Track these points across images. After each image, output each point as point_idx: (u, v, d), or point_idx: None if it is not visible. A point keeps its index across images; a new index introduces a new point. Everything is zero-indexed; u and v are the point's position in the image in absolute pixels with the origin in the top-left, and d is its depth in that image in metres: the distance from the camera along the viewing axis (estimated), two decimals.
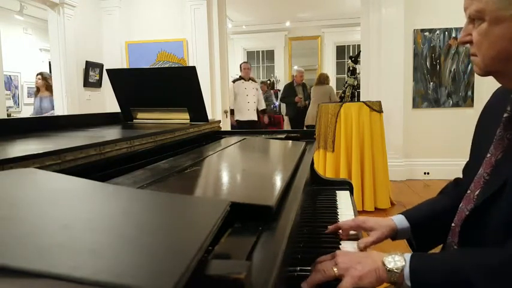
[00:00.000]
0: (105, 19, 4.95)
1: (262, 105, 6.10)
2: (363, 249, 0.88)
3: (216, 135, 1.60)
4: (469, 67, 4.50)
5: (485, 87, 4.28)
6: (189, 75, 1.43)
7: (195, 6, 4.72)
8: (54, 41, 4.36)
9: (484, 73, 0.78)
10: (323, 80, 6.16)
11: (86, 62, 4.69)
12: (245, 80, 5.72)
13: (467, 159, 0.96)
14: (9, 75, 6.69)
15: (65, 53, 4.36)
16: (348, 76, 4.68)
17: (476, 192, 0.82)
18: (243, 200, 0.56)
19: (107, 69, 1.56)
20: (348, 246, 0.90)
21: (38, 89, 4.97)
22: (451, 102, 4.61)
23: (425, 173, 4.64)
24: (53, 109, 4.71)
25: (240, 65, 5.97)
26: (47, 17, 4.49)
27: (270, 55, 9.53)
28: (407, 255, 0.73)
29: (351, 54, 6.77)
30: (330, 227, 0.97)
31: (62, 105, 4.45)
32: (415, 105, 4.67)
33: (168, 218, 0.44)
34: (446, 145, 4.54)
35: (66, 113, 4.26)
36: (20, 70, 6.85)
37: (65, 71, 4.38)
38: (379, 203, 3.42)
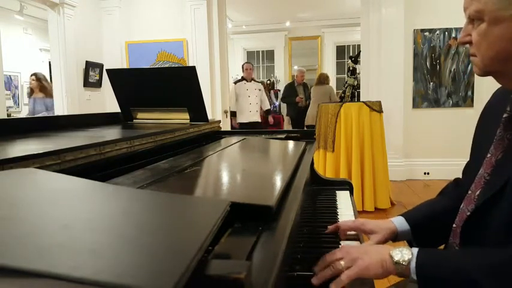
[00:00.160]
0: (105, 19, 4.95)
1: (266, 106, 5.96)
2: None
3: (216, 135, 1.60)
4: (469, 67, 4.50)
5: (485, 87, 4.28)
6: (189, 75, 1.43)
7: (195, 6, 4.72)
8: (54, 41, 4.36)
9: (484, 73, 0.79)
10: (323, 80, 6.16)
11: (86, 62, 4.69)
12: (247, 81, 5.58)
13: (468, 159, 0.96)
14: (9, 75, 6.69)
15: (65, 53, 4.36)
16: (348, 76, 4.68)
17: (477, 193, 0.82)
18: (243, 200, 0.56)
19: (106, 69, 1.56)
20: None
21: (32, 90, 4.86)
22: (451, 102, 4.61)
23: (425, 173, 4.64)
24: (47, 110, 4.64)
25: (242, 66, 5.83)
26: (47, 17, 4.49)
27: (270, 55, 9.52)
28: (415, 249, 0.73)
29: (351, 54, 6.77)
30: (330, 227, 0.97)
31: (62, 105, 4.45)
32: (415, 105, 4.67)
33: (168, 218, 0.44)
34: (446, 145, 4.54)
35: (66, 113, 4.26)
36: (20, 70, 6.86)
37: (65, 71, 4.38)
38: (379, 203, 3.42)
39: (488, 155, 0.82)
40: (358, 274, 0.71)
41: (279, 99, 8.63)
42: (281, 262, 0.45)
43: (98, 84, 4.94)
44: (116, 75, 1.55)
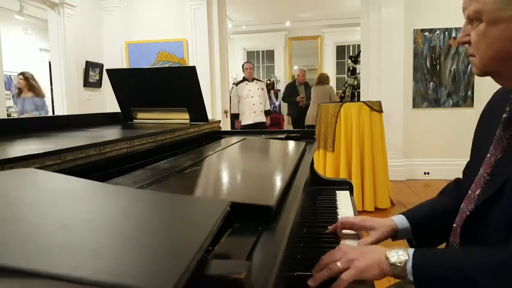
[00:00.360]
0: (105, 19, 4.95)
1: (267, 106, 5.70)
2: None
3: (216, 135, 1.60)
4: (469, 67, 4.50)
5: (485, 87, 4.28)
6: (189, 75, 1.43)
7: (195, 6, 4.72)
8: (54, 41, 4.37)
9: (482, 73, 0.79)
10: (323, 80, 6.16)
11: (86, 62, 4.69)
12: (249, 81, 5.38)
13: (468, 160, 0.96)
14: (9, 75, 6.69)
15: (65, 53, 4.36)
16: (348, 76, 4.68)
17: (477, 192, 0.82)
18: (243, 200, 0.56)
19: (106, 69, 1.56)
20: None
21: (20, 90, 4.73)
22: (451, 102, 4.62)
23: (425, 173, 4.64)
24: (37, 110, 4.57)
25: (242, 66, 5.66)
26: (47, 17, 4.49)
27: (270, 55, 9.52)
28: (411, 250, 0.73)
29: (351, 54, 6.76)
30: (331, 226, 0.97)
31: (62, 105, 4.45)
32: (415, 105, 4.67)
33: (168, 218, 0.44)
34: (446, 145, 4.54)
35: (66, 113, 4.26)
36: (20, 70, 6.85)
37: (65, 71, 4.38)
38: (379, 203, 3.42)
39: (488, 155, 0.82)
40: (356, 276, 0.71)
41: (279, 99, 8.63)
42: (281, 262, 0.45)
43: (98, 84, 4.94)
44: (116, 75, 1.55)
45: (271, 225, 0.53)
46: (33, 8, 6.28)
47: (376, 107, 3.48)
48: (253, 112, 5.33)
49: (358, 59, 4.70)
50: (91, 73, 4.78)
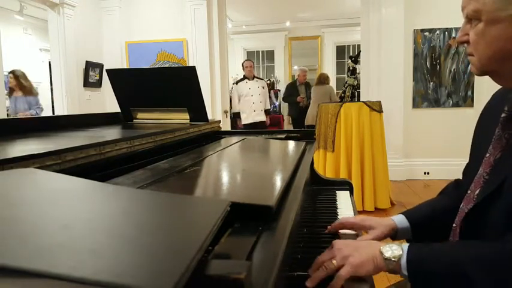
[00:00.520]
0: (105, 19, 4.95)
1: (267, 105, 5.52)
2: None
3: (216, 135, 1.60)
4: (469, 67, 4.50)
5: (485, 87, 4.28)
6: (189, 75, 1.43)
7: (195, 6, 4.72)
8: (54, 41, 4.37)
9: (481, 73, 0.79)
10: (323, 80, 6.15)
11: (86, 62, 4.69)
12: (249, 80, 5.22)
13: (467, 160, 0.96)
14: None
15: (65, 53, 4.36)
16: (348, 76, 4.69)
17: (476, 192, 0.82)
18: (243, 200, 0.56)
19: (106, 69, 1.56)
20: None
21: (11, 89, 4.58)
22: (451, 102, 4.62)
23: (425, 173, 4.64)
24: (30, 109, 4.46)
25: (242, 64, 5.52)
26: (47, 17, 4.49)
27: (270, 55, 9.52)
28: (405, 245, 0.74)
29: (351, 54, 6.76)
30: (331, 226, 0.97)
31: (62, 105, 4.45)
32: (415, 105, 4.67)
33: (168, 218, 0.44)
34: (446, 145, 4.54)
35: (66, 113, 4.26)
36: (18, 69, 6.84)
37: (65, 71, 4.38)
38: (379, 203, 3.42)
39: (487, 155, 0.82)
40: (351, 273, 0.71)
41: (279, 99, 8.63)
42: (281, 262, 0.45)
43: (98, 84, 4.94)
44: (116, 75, 1.55)
45: (271, 225, 0.53)
46: (33, 8, 6.28)
47: (376, 107, 3.48)
48: (253, 111, 5.19)
49: (358, 59, 4.70)
50: (91, 73, 4.78)
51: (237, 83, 5.43)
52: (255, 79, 5.29)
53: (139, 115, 1.60)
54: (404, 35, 4.50)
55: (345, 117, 3.44)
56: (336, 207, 1.24)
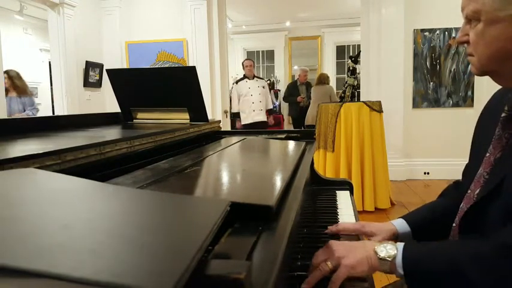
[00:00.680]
0: (105, 19, 4.95)
1: (269, 105, 5.39)
2: None
3: (216, 135, 1.60)
4: (469, 67, 4.50)
5: (485, 87, 4.29)
6: (189, 75, 1.43)
7: (195, 6, 4.72)
8: (54, 41, 4.37)
9: (481, 73, 0.79)
10: (323, 80, 6.15)
11: (86, 62, 4.69)
12: (249, 79, 5.14)
13: (467, 160, 0.96)
14: None
15: (65, 53, 4.36)
16: (348, 76, 4.68)
17: (476, 192, 0.82)
18: (243, 200, 0.56)
19: (106, 69, 1.56)
20: None
21: (6, 90, 4.37)
22: (451, 102, 4.62)
23: (425, 173, 4.64)
24: (25, 111, 4.36)
25: (242, 63, 5.44)
26: (47, 17, 4.49)
27: (270, 55, 9.52)
28: (400, 245, 0.74)
29: (351, 54, 6.76)
30: (330, 227, 0.97)
31: (62, 105, 4.45)
32: (415, 105, 4.67)
33: (168, 218, 0.44)
34: (446, 145, 4.54)
35: (66, 113, 4.26)
36: (20, 70, 6.84)
37: (65, 71, 4.38)
38: (379, 203, 3.42)
39: (487, 155, 0.82)
40: (346, 274, 0.71)
41: (279, 99, 8.64)
42: (281, 262, 0.45)
43: (98, 84, 4.94)
44: (116, 75, 1.55)
45: (271, 225, 0.53)
46: (33, 8, 6.28)
47: (376, 107, 3.48)
48: (252, 111, 5.10)
49: (358, 59, 4.70)
50: (91, 73, 4.78)
51: (237, 82, 5.36)
52: (255, 78, 5.20)
53: (139, 115, 1.60)
54: (404, 35, 4.50)
55: (345, 117, 3.44)
56: (336, 207, 1.24)
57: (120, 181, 0.69)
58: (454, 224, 0.88)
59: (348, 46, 9.01)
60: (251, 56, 9.52)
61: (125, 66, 4.90)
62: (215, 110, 4.85)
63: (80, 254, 0.29)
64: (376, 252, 0.73)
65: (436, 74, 4.60)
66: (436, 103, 4.64)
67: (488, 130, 0.85)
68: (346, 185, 1.49)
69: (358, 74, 4.82)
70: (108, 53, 4.96)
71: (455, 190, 1.01)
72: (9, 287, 0.24)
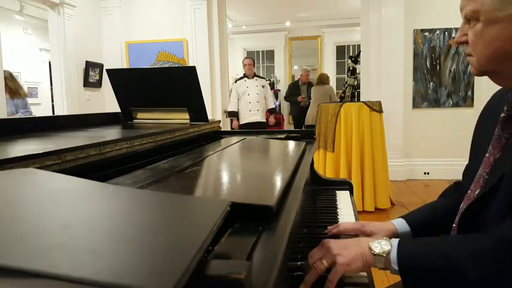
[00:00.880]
0: (105, 19, 4.95)
1: (270, 104, 5.19)
2: None
3: (216, 135, 1.60)
4: (469, 67, 4.49)
5: (485, 87, 4.29)
6: (189, 75, 1.43)
7: (195, 6, 4.72)
8: (54, 41, 4.37)
9: (480, 73, 0.79)
10: (323, 80, 6.15)
11: (86, 62, 4.69)
12: (248, 78, 4.98)
13: (467, 160, 0.96)
14: None
15: (65, 53, 4.36)
16: (348, 76, 4.68)
17: (476, 192, 0.82)
18: (243, 200, 0.56)
19: (106, 69, 1.56)
20: None
21: None
22: (451, 102, 4.62)
23: (425, 173, 4.64)
24: (17, 113, 4.23)
25: (242, 62, 5.25)
26: (47, 17, 4.49)
27: (270, 55, 9.52)
28: (395, 241, 0.74)
29: (351, 54, 6.76)
30: (330, 228, 0.97)
31: (62, 105, 4.45)
32: (415, 105, 4.67)
33: (168, 218, 0.44)
34: (446, 145, 4.54)
35: (66, 113, 4.26)
36: (20, 70, 6.85)
37: (65, 71, 4.38)
38: (379, 203, 3.42)
39: (487, 155, 0.82)
40: (341, 272, 0.71)
41: (279, 99, 8.64)
42: (281, 262, 0.45)
43: (98, 84, 4.94)
44: (116, 75, 1.55)
45: (271, 225, 0.53)
46: (33, 8, 6.28)
47: (376, 107, 3.48)
48: (248, 111, 4.94)
49: (358, 59, 4.70)
50: (91, 73, 4.78)
51: (236, 81, 5.26)
52: (255, 78, 5.03)
53: (139, 115, 1.60)
54: (404, 35, 4.50)
55: (345, 117, 3.44)
56: (336, 207, 1.24)
57: (120, 181, 0.69)
58: (454, 225, 0.88)
59: (348, 46, 9.01)
60: (251, 55, 9.51)
61: (125, 66, 4.90)
62: (215, 110, 4.85)
63: (80, 254, 0.29)
64: (370, 249, 0.73)
65: (436, 74, 4.60)
66: (436, 103, 4.64)
67: (487, 130, 0.85)
68: (346, 185, 1.49)
69: (358, 74, 4.82)
70: (108, 53, 4.96)
71: (455, 190, 1.01)
72: (9, 287, 0.24)
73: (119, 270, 0.27)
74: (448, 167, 4.32)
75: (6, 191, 0.44)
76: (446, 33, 4.53)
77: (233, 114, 5.06)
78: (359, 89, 4.92)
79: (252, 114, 4.94)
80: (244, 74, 5.15)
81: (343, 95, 4.69)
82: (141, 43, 4.96)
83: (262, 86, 5.07)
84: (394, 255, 0.71)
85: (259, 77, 5.19)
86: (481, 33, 0.73)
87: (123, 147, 0.92)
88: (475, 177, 0.84)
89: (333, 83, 7.68)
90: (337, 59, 9.08)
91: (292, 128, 7.43)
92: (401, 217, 0.98)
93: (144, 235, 0.36)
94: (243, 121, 5.00)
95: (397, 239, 0.74)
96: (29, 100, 5.23)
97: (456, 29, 4.43)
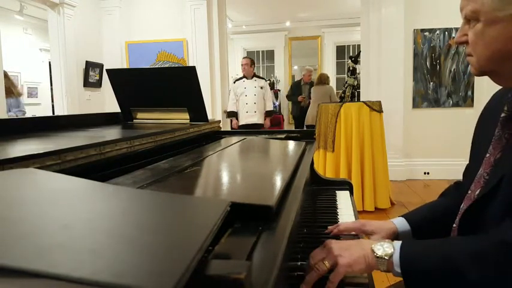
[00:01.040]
0: (105, 19, 4.95)
1: (268, 106, 5.02)
2: None
3: (216, 135, 1.60)
4: (469, 67, 4.49)
5: (485, 87, 4.29)
6: (189, 75, 1.43)
7: (195, 6, 4.72)
8: (54, 41, 4.37)
9: (480, 73, 0.79)
10: (323, 80, 6.16)
11: (86, 62, 4.69)
12: (247, 78, 4.87)
13: (467, 160, 0.96)
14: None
15: (65, 53, 4.36)
16: (348, 76, 4.68)
17: (477, 192, 0.82)
18: (243, 200, 0.56)
19: (106, 69, 1.56)
20: None
21: None
22: (451, 102, 4.62)
23: (425, 173, 4.64)
24: (10, 112, 4.14)
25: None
26: (47, 17, 4.49)
27: (270, 55, 9.52)
28: (397, 243, 0.74)
29: (351, 54, 6.76)
30: (330, 228, 0.97)
31: (62, 105, 4.45)
32: (415, 105, 4.67)
33: (168, 218, 0.44)
34: (446, 145, 4.54)
35: (66, 113, 4.26)
36: (20, 70, 6.85)
37: (65, 71, 4.38)
38: (379, 203, 3.42)
39: (487, 155, 0.82)
40: (343, 273, 0.71)
41: (279, 99, 8.65)
42: (281, 262, 0.45)
43: (98, 84, 4.94)
44: (116, 75, 1.55)
45: (271, 225, 0.53)
46: (33, 8, 6.28)
47: (376, 107, 3.48)
48: (245, 112, 4.83)
49: (358, 59, 4.70)
50: (91, 73, 4.78)
51: (234, 82, 5.15)
52: (254, 78, 4.89)
53: (139, 115, 1.60)
54: (404, 35, 4.50)
55: (345, 117, 3.44)
56: (336, 207, 1.24)
57: (120, 181, 0.69)
58: (454, 225, 0.88)
59: (348, 46, 9.01)
60: (251, 55, 9.50)
61: (125, 66, 4.90)
62: (215, 110, 4.85)
63: (80, 254, 0.29)
64: (373, 251, 0.73)
65: (436, 74, 4.60)
66: (436, 103, 4.64)
67: (488, 131, 0.85)
68: (346, 185, 1.49)
69: (358, 74, 4.82)
70: (108, 53, 4.96)
71: (456, 190, 1.01)
72: (9, 287, 0.24)
73: (118, 270, 0.27)
74: (448, 167, 4.32)
75: (6, 191, 0.44)
76: (446, 33, 4.53)
77: (232, 115, 5.00)
78: (359, 89, 4.92)
79: (249, 115, 4.84)
80: (243, 74, 5.04)
81: (343, 95, 4.69)
82: (141, 43, 4.96)
83: (261, 87, 4.95)
84: (396, 258, 0.71)
85: (258, 77, 5.09)
86: (481, 33, 0.73)
87: (123, 147, 0.92)
88: (476, 177, 0.84)
89: (333, 83, 7.68)
90: (337, 59, 9.08)
91: (292, 128, 7.43)
92: (402, 216, 0.98)
93: (144, 235, 0.36)
94: (240, 122, 4.92)
95: (400, 242, 0.74)
96: (29, 100, 5.23)
97: (456, 29, 4.43)
